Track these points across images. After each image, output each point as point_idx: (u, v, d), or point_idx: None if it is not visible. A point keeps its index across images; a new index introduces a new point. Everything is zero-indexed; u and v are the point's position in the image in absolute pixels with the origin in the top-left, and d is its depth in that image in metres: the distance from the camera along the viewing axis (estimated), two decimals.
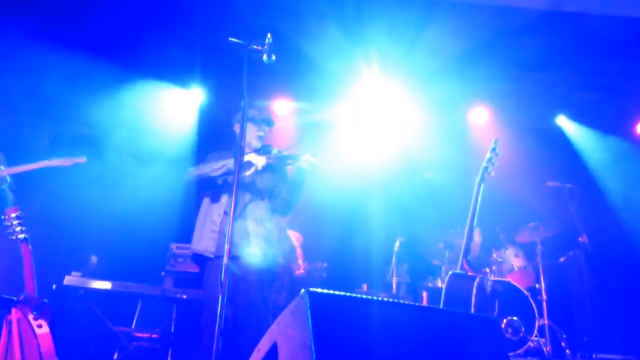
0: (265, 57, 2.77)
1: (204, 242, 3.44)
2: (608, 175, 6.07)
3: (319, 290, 1.89)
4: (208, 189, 3.58)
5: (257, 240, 3.43)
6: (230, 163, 3.46)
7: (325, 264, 5.60)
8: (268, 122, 3.72)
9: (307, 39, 4.91)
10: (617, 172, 6.01)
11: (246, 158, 3.45)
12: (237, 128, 3.71)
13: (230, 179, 3.44)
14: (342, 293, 1.94)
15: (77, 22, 4.91)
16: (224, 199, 3.50)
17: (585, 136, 6.22)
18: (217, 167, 3.47)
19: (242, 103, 2.95)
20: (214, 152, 3.79)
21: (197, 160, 4.92)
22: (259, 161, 3.45)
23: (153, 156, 5.80)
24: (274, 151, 3.59)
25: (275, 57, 2.88)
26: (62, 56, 4.76)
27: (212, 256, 3.40)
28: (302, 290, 1.87)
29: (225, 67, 5.20)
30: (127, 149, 5.86)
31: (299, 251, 5.58)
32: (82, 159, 4.65)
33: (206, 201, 3.59)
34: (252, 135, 3.62)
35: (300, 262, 5.52)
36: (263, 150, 3.65)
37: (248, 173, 3.44)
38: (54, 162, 4.54)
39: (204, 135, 6.01)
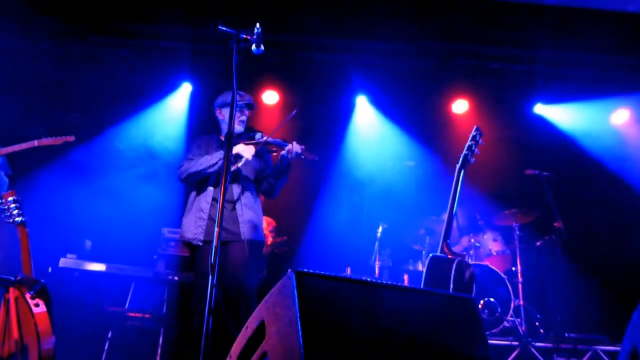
0: (254, 47, 2.74)
1: (192, 230, 3.48)
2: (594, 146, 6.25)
3: (305, 270, 1.95)
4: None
5: (246, 225, 3.49)
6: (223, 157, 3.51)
7: (285, 238, 5.67)
8: (250, 105, 3.72)
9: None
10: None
11: (235, 150, 3.45)
12: (219, 113, 3.77)
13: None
14: (326, 273, 2.01)
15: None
16: (211, 186, 3.52)
17: (564, 114, 6.39)
18: (213, 162, 3.47)
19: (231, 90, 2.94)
20: (196, 138, 3.83)
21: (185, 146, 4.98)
22: (249, 151, 3.46)
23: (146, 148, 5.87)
24: (257, 135, 3.61)
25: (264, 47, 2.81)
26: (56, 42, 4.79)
27: (201, 243, 3.44)
28: (289, 270, 1.96)
29: (215, 57, 5.27)
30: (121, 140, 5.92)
31: (266, 232, 5.65)
32: (71, 138, 4.66)
33: (193, 189, 3.62)
34: (234, 120, 3.56)
35: (267, 242, 5.64)
36: (246, 134, 3.67)
37: (240, 164, 3.48)
38: (44, 141, 4.52)
39: (193, 122, 6.08)
